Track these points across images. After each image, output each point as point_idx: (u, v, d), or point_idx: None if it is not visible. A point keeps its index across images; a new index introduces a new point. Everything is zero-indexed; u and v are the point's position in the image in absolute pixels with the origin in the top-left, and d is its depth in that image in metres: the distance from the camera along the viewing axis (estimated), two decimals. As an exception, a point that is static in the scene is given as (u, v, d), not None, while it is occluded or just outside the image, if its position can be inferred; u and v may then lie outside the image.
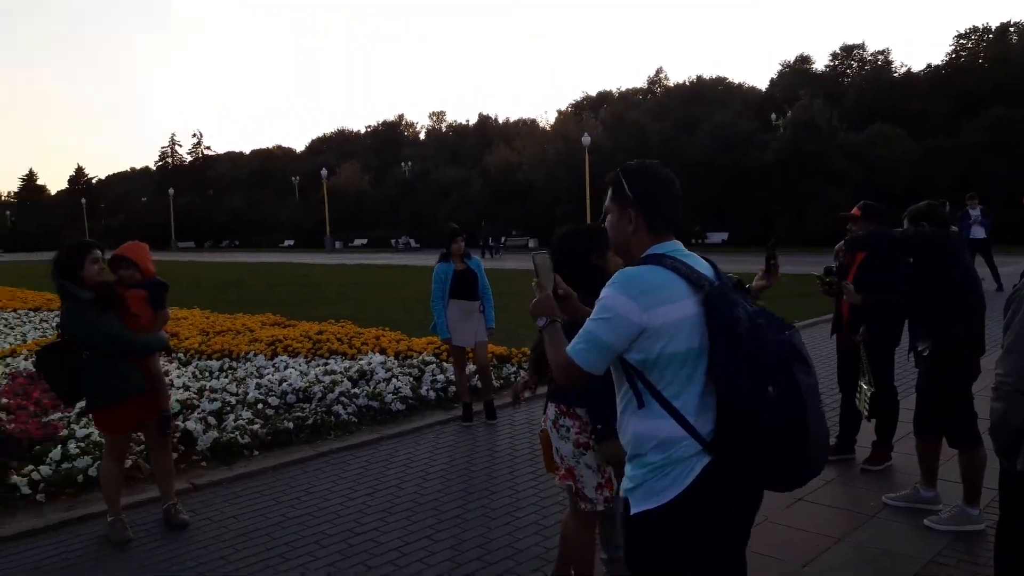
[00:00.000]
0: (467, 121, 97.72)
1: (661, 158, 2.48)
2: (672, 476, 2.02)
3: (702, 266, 2.17)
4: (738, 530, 2.20)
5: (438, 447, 6.36)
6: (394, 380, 7.81)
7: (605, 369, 2.10)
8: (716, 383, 2.04)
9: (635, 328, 2.01)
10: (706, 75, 58.25)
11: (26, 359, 9.73)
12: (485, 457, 6.06)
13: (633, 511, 2.08)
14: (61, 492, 5.34)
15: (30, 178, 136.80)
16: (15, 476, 5.36)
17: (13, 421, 6.59)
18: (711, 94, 53.73)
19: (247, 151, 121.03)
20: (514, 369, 8.72)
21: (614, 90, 72.03)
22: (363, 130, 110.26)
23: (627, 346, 2.05)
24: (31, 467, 5.49)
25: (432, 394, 7.71)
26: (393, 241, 61.35)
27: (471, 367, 7.65)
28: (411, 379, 7.99)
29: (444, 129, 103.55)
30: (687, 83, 58.71)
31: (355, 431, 6.83)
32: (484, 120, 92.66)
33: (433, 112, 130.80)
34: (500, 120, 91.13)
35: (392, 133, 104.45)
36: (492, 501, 5.05)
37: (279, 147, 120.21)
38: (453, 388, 7.72)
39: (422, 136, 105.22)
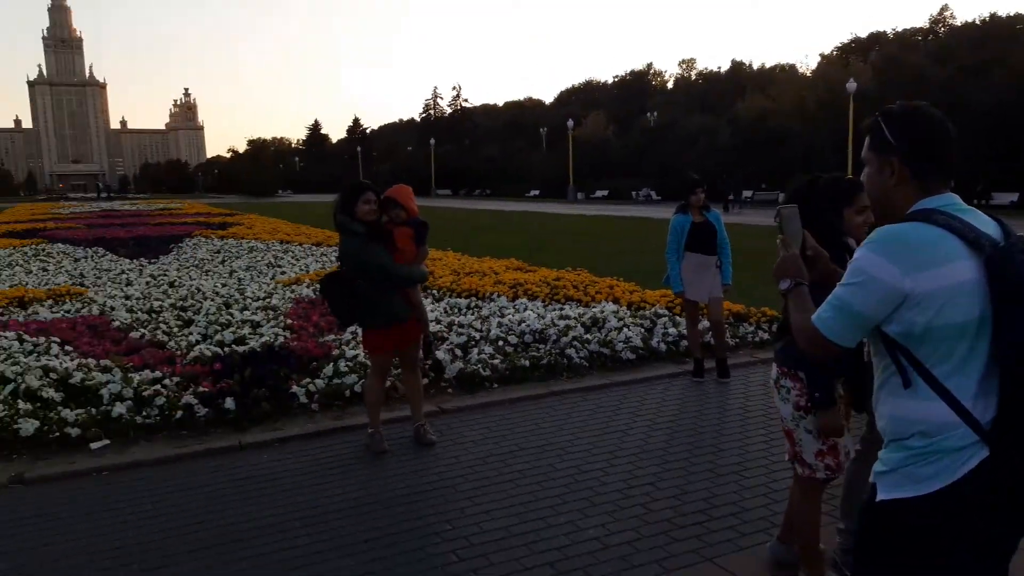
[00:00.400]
0: (718, 68, 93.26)
1: (943, 106, 2.15)
2: (939, 465, 1.73)
3: (985, 223, 1.82)
4: (1005, 542, 1.83)
5: (666, 399, 6.36)
6: (625, 330, 7.89)
7: (856, 342, 1.86)
8: (1001, 362, 1.71)
9: (895, 294, 1.74)
10: (1001, 12, 50.34)
11: (308, 287, 11.15)
12: (715, 414, 5.96)
13: (880, 497, 1.82)
14: (332, 403, 6.12)
15: (315, 128, 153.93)
16: (295, 386, 6.22)
17: (296, 339, 7.64)
18: (1005, 33, 46.37)
19: (501, 103, 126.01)
20: (752, 329, 8.39)
21: (888, 31, 64.76)
22: (610, 80, 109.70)
23: (886, 316, 1.78)
24: (308, 380, 6.34)
25: (663, 346, 7.69)
26: (634, 193, 60.96)
27: (704, 323, 7.50)
28: (642, 330, 8.01)
29: (694, 77, 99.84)
30: (977, 22, 51.14)
31: (586, 375, 7.04)
32: (737, 67, 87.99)
33: (683, 60, 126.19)
34: (755, 66, 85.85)
35: (639, 83, 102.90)
36: (719, 458, 4.98)
37: (530, 99, 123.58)
38: (685, 343, 7.63)
39: (670, 85, 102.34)
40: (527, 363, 7.00)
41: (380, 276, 4.99)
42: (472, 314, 9.04)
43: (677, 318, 8.35)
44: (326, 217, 34.54)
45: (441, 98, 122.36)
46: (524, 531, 3.96)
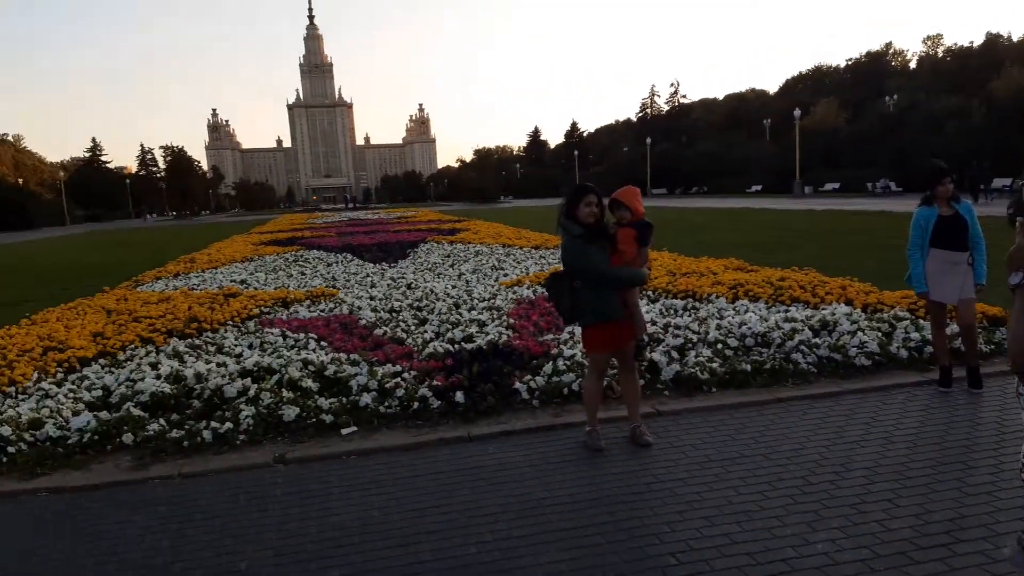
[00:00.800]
0: (970, 43, 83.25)
1: None
2: None
3: None
4: None
5: (907, 410, 5.84)
6: (860, 334, 7.34)
7: None
8: None
9: None
10: None
11: (528, 288, 11.58)
12: (964, 427, 5.38)
13: None
14: (551, 400, 6.34)
15: (535, 135, 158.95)
16: (518, 383, 6.51)
17: (518, 338, 7.99)
18: None
19: (720, 96, 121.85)
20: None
21: None
22: (842, 64, 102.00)
23: None
24: (529, 377, 6.62)
25: (904, 352, 7.05)
26: (870, 184, 56.11)
27: (953, 327, 6.78)
28: (879, 334, 7.41)
29: (940, 54, 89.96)
30: None
31: (814, 381, 6.66)
32: (992, 40, 77.99)
33: (928, 36, 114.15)
34: (1014, 38, 75.57)
35: (875, 64, 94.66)
36: (968, 476, 4.50)
37: (752, 90, 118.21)
38: (929, 348, 6.95)
39: (912, 65, 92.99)
40: (748, 367, 6.76)
41: (594, 277, 5.11)
42: (689, 315, 8.89)
43: (921, 321, 7.63)
44: (545, 221, 35.48)
45: (658, 96, 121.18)
46: (747, 539, 3.86)
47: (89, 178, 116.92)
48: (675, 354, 7.13)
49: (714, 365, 6.78)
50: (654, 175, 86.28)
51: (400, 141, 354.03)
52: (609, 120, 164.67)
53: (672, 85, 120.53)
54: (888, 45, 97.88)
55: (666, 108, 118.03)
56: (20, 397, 6.83)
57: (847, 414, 5.79)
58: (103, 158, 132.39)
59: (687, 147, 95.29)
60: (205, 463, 5.41)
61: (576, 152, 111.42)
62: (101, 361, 7.92)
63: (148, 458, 5.53)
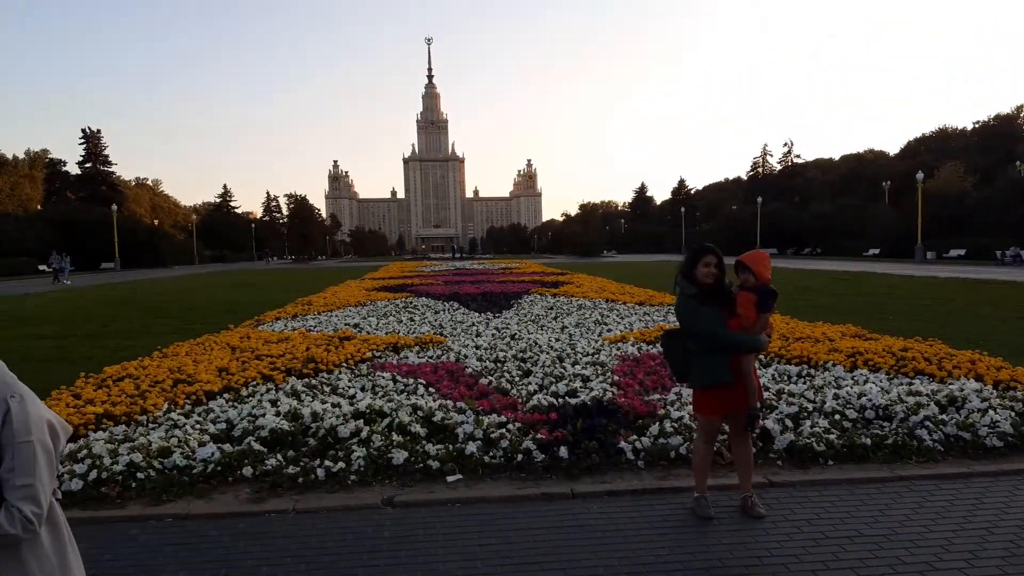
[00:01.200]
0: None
1: None
2: None
3: None
4: None
5: (1048, 498, 5.40)
6: (991, 412, 6.87)
7: None
8: None
9: None
10: None
11: (632, 345, 11.49)
12: (1117, 523, 4.92)
13: None
14: (657, 462, 6.23)
15: (641, 191, 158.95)
16: (623, 442, 6.44)
17: (622, 395, 7.91)
18: None
19: (836, 157, 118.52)
20: None
21: None
22: (969, 126, 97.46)
23: None
24: (634, 437, 6.54)
25: (1044, 435, 6.54)
26: (999, 252, 52.76)
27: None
28: (1012, 413, 6.91)
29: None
30: None
31: (940, 460, 6.26)
32: None
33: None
34: None
35: (1006, 127, 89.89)
36: (1123, 578, 4.10)
37: (870, 151, 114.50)
38: (1075, 432, 6.41)
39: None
40: (868, 441, 6.43)
41: (705, 339, 5.04)
42: (804, 383, 8.57)
43: (1062, 403, 7.07)
44: (650, 276, 35.06)
45: (771, 155, 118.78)
46: (866, 625, 3.64)
47: (218, 221, 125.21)
48: (789, 423, 6.87)
49: (831, 437, 6.49)
50: (764, 234, 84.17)
51: (507, 194, 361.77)
52: (718, 178, 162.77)
53: (785, 144, 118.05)
54: (1020, 108, 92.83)
55: (778, 167, 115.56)
56: (151, 426, 7.30)
57: (977, 498, 5.41)
58: (232, 203, 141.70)
59: (800, 207, 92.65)
60: (318, 500, 5.60)
61: (683, 209, 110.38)
62: (225, 396, 8.38)
63: (265, 492, 5.78)
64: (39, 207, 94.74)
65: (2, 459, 2.20)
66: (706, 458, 5.34)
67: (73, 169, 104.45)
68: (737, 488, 5.43)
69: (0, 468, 2.18)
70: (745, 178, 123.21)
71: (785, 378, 9.01)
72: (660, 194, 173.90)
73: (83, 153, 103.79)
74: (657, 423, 6.80)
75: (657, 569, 4.36)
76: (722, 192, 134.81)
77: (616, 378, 8.85)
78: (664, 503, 5.46)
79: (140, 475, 5.90)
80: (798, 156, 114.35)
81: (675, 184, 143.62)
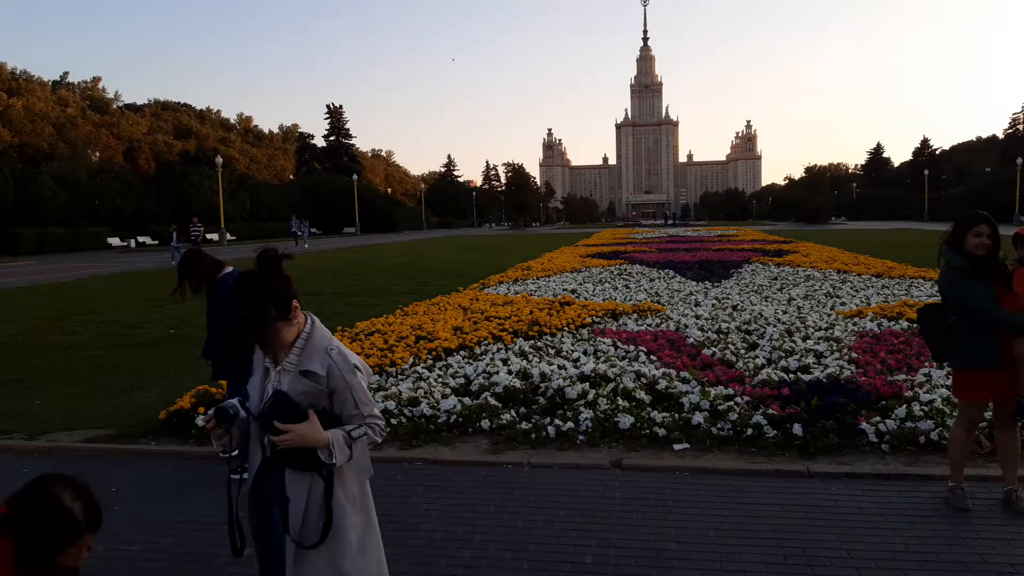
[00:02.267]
0: None
1: None
2: None
3: None
4: None
5: None
6: None
7: None
8: None
9: None
10: None
11: (871, 320, 10.69)
12: None
13: None
14: (903, 447, 5.82)
15: (876, 152, 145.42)
16: (864, 423, 6.08)
17: (862, 374, 7.44)
18: None
19: None
20: None
21: None
22: None
23: None
24: (877, 418, 6.14)
25: None
26: None
27: None
28: None
29: None
30: None
31: None
32: None
33: None
34: None
35: None
36: None
37: None
38: None
39: None
40: None
41: (974, 316, 4.58)
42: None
43: None
44: (887, 246, 32.19)
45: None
46: None
47: (443, 189, 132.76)
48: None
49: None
50: (1026, 199, 73.69)
51: (723, 158, 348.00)
52: (968, 137, 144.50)
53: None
54: None
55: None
56: (399, 377, 8.03)
57: None
58: (455, 172, 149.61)
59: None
60: (550, 457, 5.90)
61: (926, 171, 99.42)
62: (461, 353, 9.00)
63: (502, 444, 6.18)
64: (291, 176, 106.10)
65: (332, 400, 2.69)
66: (965, 446, 4.91)
67: (319, 142, 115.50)
68: (999, 480, 4.95)
69: (341, 408, 2.68)
70: (1002, 136, 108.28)
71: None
72: (898, 155, 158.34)
73: (327, 127, 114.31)
74: (904, 405, 6.32)
75: (907, 558, 4.11)
76: (974, 153, 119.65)
77: (854, 355, 8.33)
78: (912, 489, 5.11)
79: (393, 421, 6.54)
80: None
81: (916, 144, 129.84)
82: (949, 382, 6.84)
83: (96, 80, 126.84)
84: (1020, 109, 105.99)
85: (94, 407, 7.72)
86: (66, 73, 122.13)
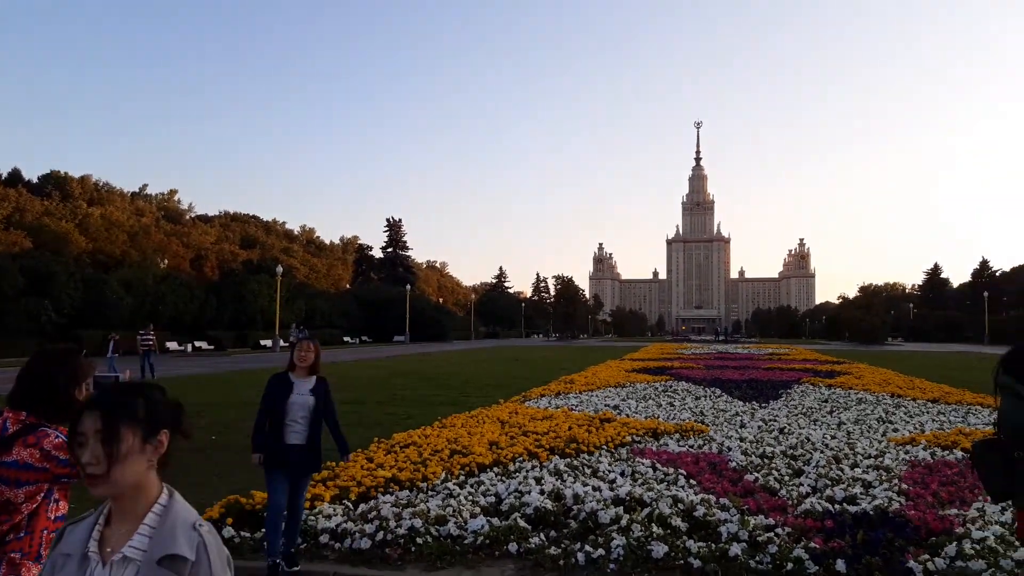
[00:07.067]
0: None
1: None
2: None
3: None
4: None
5: None
6: None
7: None
8: None
9: None
10: None
11: (924, 448, 10.24)
12: None
13: None
14: (955, 590, 5.45)
15: (934, 272, 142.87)
16: (912, 560, 5.73)
17: (912, 507, 7.07)
18: None
19: None
20: None
21: None
22: None
23: None
24: (926, 556, 5.79)
25: None
26: None
27: None
28: None
29: None
30: None
31: None
32: None
33: None
34: None
35: None
36: None
37: None
38: None
39: None
40: None
41: None
42: None
43: None
44: (945, 369, 31.15)
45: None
46: None
47: (493, 300, 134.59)
48: None
49: None
50: (1098, 324, 70.90)
51: (776, 275, 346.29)
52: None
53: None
54: None
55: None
56: (430, 493, 7.93)
57: None
58: (506, 284, 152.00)
59: None
60: (578, 585, 5.68)
61: (986, 293, 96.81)
62: (495, 469, 8.88)
63: (528, 570, 5.98)
64: (347, 286, 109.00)
65: None
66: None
67: (377, 253, 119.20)
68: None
69: None
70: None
71: None
72: (956, 276, 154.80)
73: (386, 239, 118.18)
74: (955, 543, 5.97)
75: None
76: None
77: (904, 486, 7.96)
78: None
79: (419, 540, 6.42)
80: None
81: (976, 265, 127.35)
82: (1004, 518, 6.51)
83: (172, 192, 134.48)
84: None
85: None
86: (145, 185, 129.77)
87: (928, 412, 15.21)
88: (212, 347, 57.68)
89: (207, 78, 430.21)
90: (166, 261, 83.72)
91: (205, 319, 62.12)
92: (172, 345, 55.47)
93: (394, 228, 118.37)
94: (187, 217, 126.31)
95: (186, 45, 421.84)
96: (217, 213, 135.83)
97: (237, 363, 38.07)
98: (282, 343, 56.02)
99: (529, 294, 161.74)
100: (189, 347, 56.55)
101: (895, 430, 12.55)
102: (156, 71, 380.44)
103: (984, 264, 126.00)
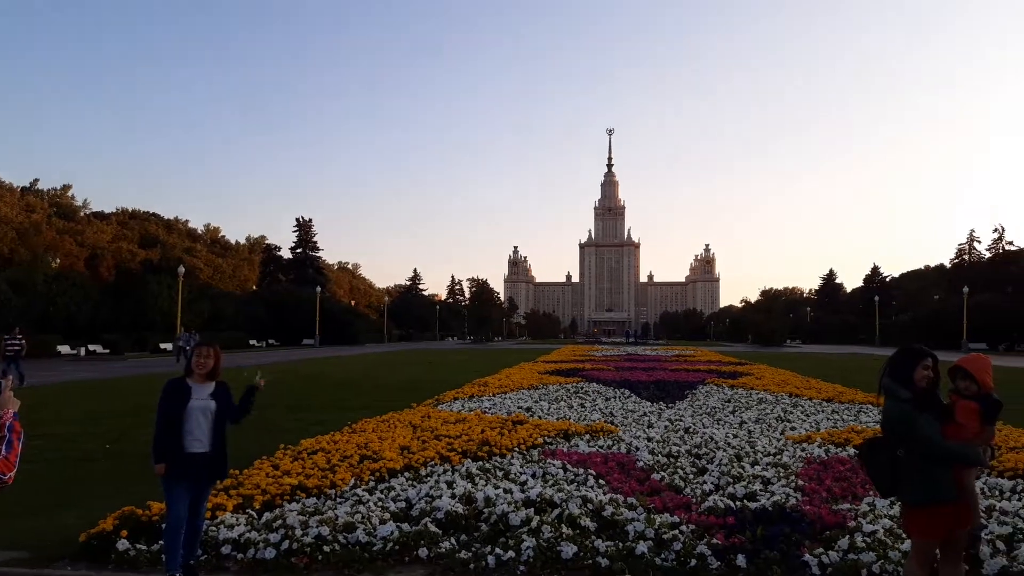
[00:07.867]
0: None
1: None
2: None
3: None
4: None
5: None
6: None
7: None
8: None
9: None
10: None
11: (819, 446, 10.74)
12: None
13: None
14: (845, 580, 5.72)
15: (829, 277, 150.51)
16: (808, 554, 5.99)
17: (808, 502, 7.40)
18: None
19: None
20: None
21: None
22: None
23: None
24: (820, 549, 6.06)
25: None
26: None
27: None
28: None
29: None
30: None
31: None
32: None
33: None
34: None
35: None
36: None
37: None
38: None
39: None
40: (1106, 577, 5.56)
41: (924, 450, 4.58)
42: (1019, 499, 7.60)
43: None
44: (839, 370, 32.72)
45: (978, 241, 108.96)
46: None
47: (407, 302, 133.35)
48: (1001, 545, 6.11)
49: (1056, 567, 5.68)
50: (972, 328, 76.28)
51: (683, 279, 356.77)
52: (916, 265, 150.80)
53: (996, 230, 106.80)
54: None
55: (987, 255, 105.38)
56: (338, 500, 7.76)
57: None
58: (420, 286, 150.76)
59: (1014, 299, 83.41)
60: (487, 588, 5.67)
61: (876, 298, 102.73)
62: (406, 474, 8.78)
63: (438, 574, 5.94)
64: (254, 287, 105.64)
65: None
66: (921, 585, 4.78)
67: (286, 254, 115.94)
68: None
69: None
70: (949, 266, 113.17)
71: (996, 493, 8.05)
72: (850, 281, 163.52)
73: (295, 239, 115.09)
74: (847, 536, 6.28)
75: None
76: (921, 281, 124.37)
77: (800, 482, 8.32)
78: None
79: (326, 548, 6.27)
80: (1011, 243, 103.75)
81: (867, 271, 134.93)
82: (892, 511, 6.88)
83: (66, 188, 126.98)
84: (966, 240, 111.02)
85: (13, 526, 7.28)
86: (36, 180, 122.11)
87: (823, 411, 15.96)
88: (108, 351, 54.85)
89: (105, 66, 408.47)
90: (58, 260, 79.15)
91: (100, 321, 59.04)
92: (64, 349, 52.47)
93: (304, 228, 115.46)
94: (82, 214, 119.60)
95: (84, 30, 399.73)
96: (114, 210, 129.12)
97: (133, 368, 36.37)
98: (169, 348, 53.69)
99: (444, 296, 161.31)
100: (82, 351, 53.62)
101: (792, 428, 13.11)
102: (48, 57, 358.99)
103: (875, 270, 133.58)
